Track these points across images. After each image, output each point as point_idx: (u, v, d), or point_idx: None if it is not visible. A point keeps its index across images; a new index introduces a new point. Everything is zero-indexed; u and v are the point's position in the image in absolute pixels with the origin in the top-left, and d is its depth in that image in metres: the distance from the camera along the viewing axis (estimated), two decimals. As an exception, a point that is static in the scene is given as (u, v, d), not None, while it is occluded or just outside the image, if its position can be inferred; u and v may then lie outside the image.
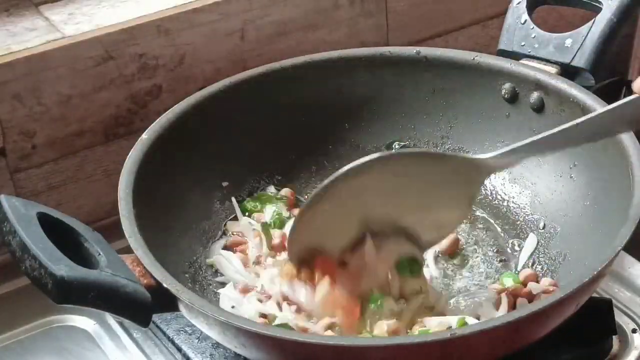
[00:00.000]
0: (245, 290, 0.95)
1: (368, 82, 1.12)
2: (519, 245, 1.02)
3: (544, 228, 1.02)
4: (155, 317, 0.88)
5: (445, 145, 1.11)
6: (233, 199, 1.06)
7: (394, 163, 0.91)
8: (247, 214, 1.06)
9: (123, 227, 0.89)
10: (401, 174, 0.90)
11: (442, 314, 0.91)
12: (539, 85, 1.04)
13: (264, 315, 0.92)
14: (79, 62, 1.06)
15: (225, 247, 1.02)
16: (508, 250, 1.02)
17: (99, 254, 0.84)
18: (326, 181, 0.88)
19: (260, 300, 0.93)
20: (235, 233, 1.04)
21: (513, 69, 1.06)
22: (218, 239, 1.03)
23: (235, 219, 1.06)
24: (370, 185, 0.89)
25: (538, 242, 1.01)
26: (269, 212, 1.05)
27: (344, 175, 0.88)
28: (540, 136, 0.90)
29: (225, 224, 1.05)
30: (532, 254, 1.00)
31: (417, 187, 0.91)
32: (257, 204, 1.07)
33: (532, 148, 0.90)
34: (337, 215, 0.90)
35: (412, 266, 0.92)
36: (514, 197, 1.07)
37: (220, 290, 0.96)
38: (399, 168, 0.90)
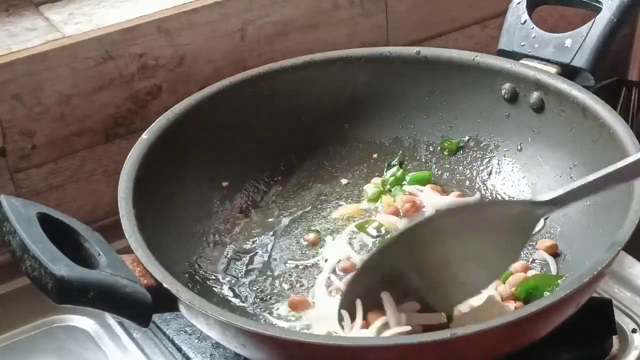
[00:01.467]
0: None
1: (368, 82, 1.12)
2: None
3: (544, 228, 1.02)
4: (155, 317, 0.88)
5: (446, 144, 1.11)
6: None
7: (446, 221, 0.87)
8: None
9: (123, 227, 0.89)
10: (453, 231, 0.86)
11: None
12: (539, 85, 1.04)
13: None
14: (79, 62, 1.06)
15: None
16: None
17: (99, 254, 0.84)
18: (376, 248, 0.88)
19: None
20: None
21: (513, 69, 1.06)
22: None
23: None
24: (423, 246, 0.86)
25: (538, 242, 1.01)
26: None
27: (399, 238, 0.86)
28: (596, 176, 0.85)
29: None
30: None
31: (468, 241, 0.87)
32: None
33: (589, 189, 0.85)
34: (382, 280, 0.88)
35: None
36: (514, 197, 1.07)
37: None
38: (449, 226, 0.86)
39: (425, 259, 0.87)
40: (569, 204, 0.87)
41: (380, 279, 0.88)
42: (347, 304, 0.88)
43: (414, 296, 0.88)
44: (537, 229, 1.01)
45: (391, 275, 0.88)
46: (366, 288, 0.88)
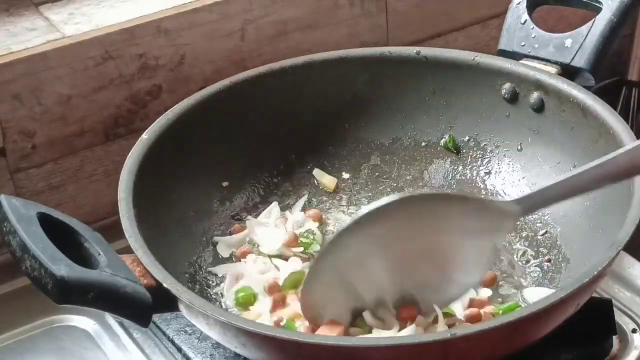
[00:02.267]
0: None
1: (368, 82, 1.12)
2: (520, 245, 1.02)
3: (543, 228, 1.02)
4: (155, 317, 0.88)
5: (446, 144, 1.11)
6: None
7: (412, 206, 0.83)
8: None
9: (123, 227, 0.89)
10: (418, 220, 0.83)
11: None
12: (539, 85, 1.04)
13: None
14: (79, 62, 1.06)
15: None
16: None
17: (99, 254, 0.84)
18: (340, 228, 0.83)
19: None
20: None
21: (513, 69, 1.06)
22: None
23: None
24: (387, 235, 0.83)
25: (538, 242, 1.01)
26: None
27: (359, 222, 0.82)
28: (570, 174, 0.84)
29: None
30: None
31: (437, 239, 0.84)
32: None
33: (563, 189, 0.84)
34: (343, 281, 0.85)
35: None
36: (514, 198, 1.07)
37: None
38: (416, 214, 0.83)
39: (393, 247, 0.85)
40: (543, 206, 0.86)
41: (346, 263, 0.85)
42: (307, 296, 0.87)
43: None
44: (541, 232, 1.02)
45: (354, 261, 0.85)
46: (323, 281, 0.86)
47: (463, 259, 0.87)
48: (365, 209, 0.84)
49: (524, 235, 1.02)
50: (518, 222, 1.01)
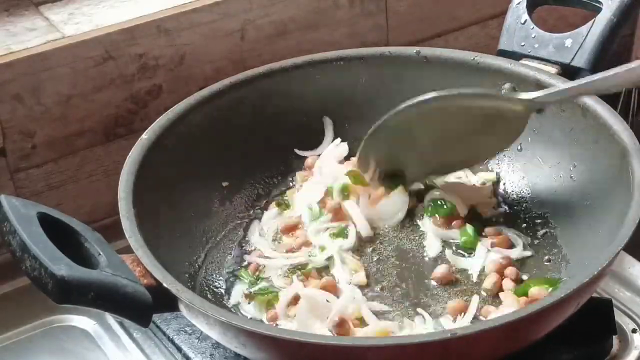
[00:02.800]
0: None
1: (368, 82, 1.12)
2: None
3: (543, 228, 1.02)
4: (155, 317, 0.88)
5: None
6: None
7: (445, 101, 0.98)
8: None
9: (123, 227, 0.89)
10: (451, 112, 0.99)
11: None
12: (539, 85, 1.04)
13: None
14: (79, 62, 1.06)
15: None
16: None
17: (99, 254, 0.84)
18: (386, 116, 1.00)
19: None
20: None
21: (513, 69, 1.06)
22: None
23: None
24: (422, 121, 0.99)
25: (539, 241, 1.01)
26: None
27: (402, 111, 0.99)
28: (581, 81, 0.96)
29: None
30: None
31: (466, 121, 0.99)
32: None
33: (574, 90, 0.96)
34: (389, 146, 1.03)
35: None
36: (515, 197, 1.07)
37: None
38: (450, 107, 0.99)
39: (424, 133, 1.01)
40: (552, 102, 0.98)
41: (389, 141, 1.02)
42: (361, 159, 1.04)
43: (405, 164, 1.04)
44: (541, 232, 1.02)
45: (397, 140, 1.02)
46: (378, 148, 1.03)
47: (487, 137, 1.02)
48: (408, 101, 1.00)
49: (524, 235, 1.03)
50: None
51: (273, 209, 1.07)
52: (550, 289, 0.92)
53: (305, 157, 1.11)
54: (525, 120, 0.99)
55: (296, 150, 1.11)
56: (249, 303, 0.95)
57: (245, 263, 1.01)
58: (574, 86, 0.97)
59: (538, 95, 0.97)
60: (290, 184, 1.10)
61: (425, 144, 1.02)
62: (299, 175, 1.10)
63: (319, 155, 1.11)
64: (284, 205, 1.07)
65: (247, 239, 1.04)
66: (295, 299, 0.93)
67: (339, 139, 1.12)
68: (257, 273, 0.99)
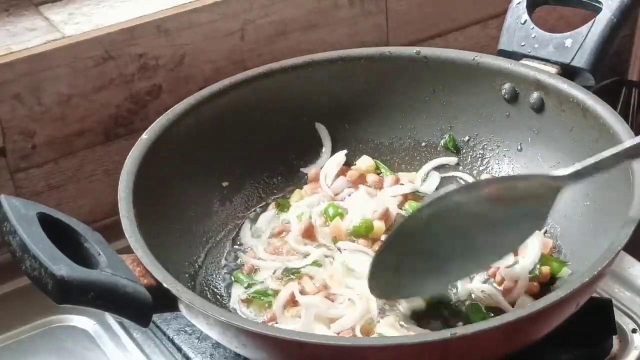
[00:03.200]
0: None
1: (368, 82, 1.12)
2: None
3: (543, 228, 1.02)
4: (155, 317, 0.88)
5: (446, 144, 1.12)
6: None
7: (467, 196, 0.87)
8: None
9: (123, 227, 0.89)
10: (474, 207, 0.87)
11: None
12: (539, 85, 1.04)
13: None
14: (79, 62, 1.06)
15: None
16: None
17: (99, 254, 0.84)
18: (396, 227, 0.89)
19: None
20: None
21: (513, 69, 1.06)
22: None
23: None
24: (444, 221, 0.87)
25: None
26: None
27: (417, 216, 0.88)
28: (612, 152, 0.87)
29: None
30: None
31: (490, 216, 0.88)
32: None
33: (605, 164, 0.87)
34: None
35: None
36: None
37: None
38: (472, 200, 0.87)
39: (443, 232, 0.88)
40: (586, 177, 0.87)
41: (403, 252, 0.89)
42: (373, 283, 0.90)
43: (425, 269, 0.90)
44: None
45: (411, 249, 0.89)
46: (389, 264, 0.89)
47: (514, 226, 0.90)
48: (427, 198, 0.90)
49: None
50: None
51: (271, 210, 1.07)
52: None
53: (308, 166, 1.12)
54: (554, 198, 0.89)
55: (301, 169, 1.11)
56: (247, 307, 0.96)
57: (239, 261, 1.02)
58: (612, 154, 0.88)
59: (572, 172, 0.88)
60: (291, 185, 1.11)
61: (444, 249, 0.90)
62: (306, 188, 1.09)
63: (321, 168, 1.11)
64: (282, 207, 1.07)
65: (239, 239, 1.05)
66: (292, 301, 0.93)
67: (343, 151, 1.11)
68: (252, 274, 0.99)
